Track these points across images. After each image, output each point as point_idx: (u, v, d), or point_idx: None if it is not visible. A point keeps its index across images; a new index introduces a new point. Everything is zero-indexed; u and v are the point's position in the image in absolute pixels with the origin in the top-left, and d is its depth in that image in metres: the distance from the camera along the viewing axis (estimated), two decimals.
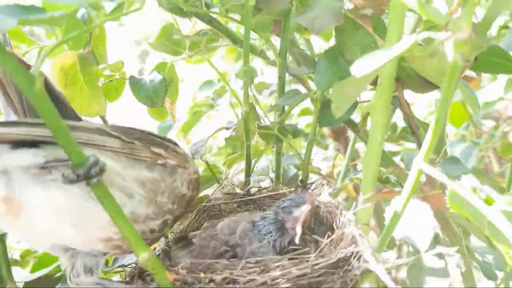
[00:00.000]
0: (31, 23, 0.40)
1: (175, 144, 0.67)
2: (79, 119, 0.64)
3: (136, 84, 0.76)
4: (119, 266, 0.73)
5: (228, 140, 0.79)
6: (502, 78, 1.26)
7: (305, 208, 0.65)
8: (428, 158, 0.50)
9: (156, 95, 0.77)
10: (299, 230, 0.64)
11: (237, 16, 0.75)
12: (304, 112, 1.15)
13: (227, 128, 0.78)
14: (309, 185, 0.79)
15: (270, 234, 0.67)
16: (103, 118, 0.80)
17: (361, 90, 0.55)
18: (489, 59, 0.63)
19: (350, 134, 1.02)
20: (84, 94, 0.72)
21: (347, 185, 1.03)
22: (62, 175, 0.52)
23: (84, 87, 0.72)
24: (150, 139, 0.63)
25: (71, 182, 0.50)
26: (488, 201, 0.47)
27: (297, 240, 0.64)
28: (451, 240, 0.78)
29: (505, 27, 1.00)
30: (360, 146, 1.16)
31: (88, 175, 0.49)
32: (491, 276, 0.69)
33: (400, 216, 0.54)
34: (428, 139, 0.47)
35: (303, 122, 1.19)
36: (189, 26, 0.85)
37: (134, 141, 0.59)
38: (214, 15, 0.77)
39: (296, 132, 0.78)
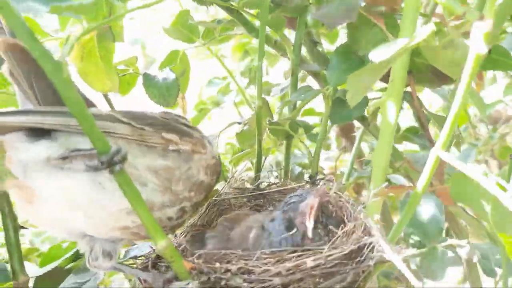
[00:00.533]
0: (63, 10, 0.41)
1: (193, 128, 0.65)
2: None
3: (149, 81, 0.77)
4: (131, 258, 0.73)
5: (239, 136, 0.79)
6: (502, 81, 1.28)
7: (311, 201, 0.66)
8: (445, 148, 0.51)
9: (169, 93, 0.77)
10: (309, 224, 0.65)
11: (251, 12, 0.76)
12: (308, 113, 1.16)
13: (239, 123, 0.78)
14: (318, 181, 0.80)
15: (281, 235, 0.67)
16: (109, 102, 0.81)
17: (376, 79, 0.57)
18: (490, 57, 0.65)
19: (356, 133, 1.04)
20: (99, 69, 0.72)
21: (352, 183, 1.04)
22: (85, 163, 0.52)
23: (99, 62, 0.72)
24: (164, 123, 0.61)
25: (95, 170, 0.51)
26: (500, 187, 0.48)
27: (309, 234, 0.64)
28: (458, 236, 0.79)
29: (503, 31, 1.02)
30: (364, 146, 1.18)
31: (111, 163, 0.50)
32: (490, 273, 0.70)
33: (415, 207, 0.56)
34: (447, 126, 0.48)
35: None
36: (204, 17, 0.86)
37: (145, 126, 0.58)
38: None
39: (307, 128, 0.79)
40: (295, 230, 0.66)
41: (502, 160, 1.45)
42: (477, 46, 0.41)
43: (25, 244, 1.19)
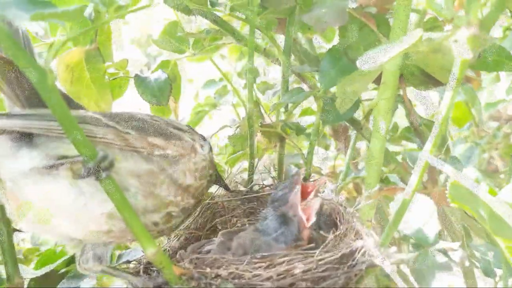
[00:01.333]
0: (45, 17, 0.41)
1: (185, 130, 0.65)
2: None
3: (141, 82, 0.77)
4: (124, 262, 0.73)
5: (231, 138, 0.79)
6: (505, 79, 1.26)
7: (298, 189, 0.65)
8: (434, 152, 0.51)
9: (161, 93, 0.77)
10: (312, 217, 0.64)
11: (240, 15, 0.76)
12: (305, 112, 1.15)
13: (230, 126, 0.78)
14: (311, 182, 0.80)
15: (276, 231, 0.67)
16: None
17: (365, 85, 0.56)
18: (490, 58, 0.64)
19: (351, 133, 1.03)
20: (90, 91, 0.72)
21: (348, 184, 1.04)
22: (71, 170, 0.52)
23: (90, 84, 0.72)
24: (153, 126, 0.61)
25: (80, 177, 0.51)
26: (492, 193, 0.48)
27: (310, 223, 0.64)
28: (452, 238, 0.79)
29: (508, 28, 1.01)
30: (361, 145, 1.17)
31: (97, 169, 0.50)
32: (490, 274, 0.70)
33: (405, 210, 0.55)
34: (435, 131, 0.48)
35: (304, 123, 1.20)
36: (193, 26, 0.85)
37: (130, 130, 0.58)
38: (219, 13, 0.78)
39: (299, 130, 0.78)
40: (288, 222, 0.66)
41: (506, 158, 1.44)
42: (462, 51, 0.41)
43: (25, 244, 1.20)
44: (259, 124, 0.78)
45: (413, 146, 1.22)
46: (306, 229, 0.65)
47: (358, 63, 0.45)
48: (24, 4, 0.41)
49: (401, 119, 1.05)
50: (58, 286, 0.74)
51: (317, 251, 0.60)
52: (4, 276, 0.76)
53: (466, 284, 0.77)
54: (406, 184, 0.78)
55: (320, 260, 0.59)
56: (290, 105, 0.80)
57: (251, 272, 0.59)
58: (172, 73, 0.84)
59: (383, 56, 0.45)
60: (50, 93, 0.46)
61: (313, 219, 0.63)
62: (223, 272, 0.59)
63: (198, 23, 0.86)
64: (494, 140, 1.31)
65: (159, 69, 0.80)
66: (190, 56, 0.86)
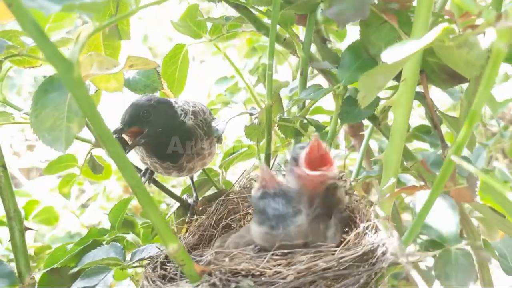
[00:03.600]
0: (75, 8, 0.40)
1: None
2: None
3: (127, 81, 0.77)
4: (138, 260, 0.73)
5: (247, 128, 0.77)
6: None
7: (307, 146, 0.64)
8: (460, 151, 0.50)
9: (152, 80, 0.77)
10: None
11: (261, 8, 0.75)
12: (316, 111, 1.15)
13: (251, 114, 0.77)
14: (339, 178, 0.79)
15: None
16: None
17: (388, 79, 0.56)
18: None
19: (365, 131, 1.02)
20: None
21: (360, 183, 1.03)
22: None
23: None
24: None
25: None
26: None
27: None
28: (469, 236, 0.78)
29: None
30: (372, 145, 1.17)
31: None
32: (509, 271, 0.69)
33: (429, 209, 0.55)
34: (464, 130, 0.47)
35: None
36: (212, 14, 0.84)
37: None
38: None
39: (319, 127, 0.78)
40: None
41: None
42: (497, 45, 0.40)
43: (37, 242, 1.20)
44: (277, 118, 0.77)
45: (423, 145, 1.23)
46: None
47: (382, 56, 0.44)
48: None
49: (413, 118, 1.05)
50: (72, 286, 0.73)
51: (338, 249, 0.60)
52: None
53: (483, 283, 0.77)
54: (424, 182, 0.78)
55: (341, 257, 0.59)
56: (307, 102, 0.79)
57: (271, 269, 0.59)
58: (183, 58, 0.84)
59: (408, 49, 0.44)
60: (76, 86, 0.45)
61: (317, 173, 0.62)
62: (243, 268, 0.59)
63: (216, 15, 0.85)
64: (502, 140, 1.31)
65: (170, 59, 0.80)
66: (207, 41, 0.85)
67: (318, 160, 0.64)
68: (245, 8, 0.78)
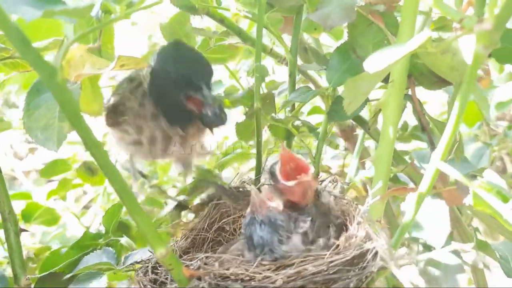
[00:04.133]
0: (56, 14, 0.41)
1: None
2: None
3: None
4: (130, 264, 0.73)
5: (238, 126, 0.77)
6: None
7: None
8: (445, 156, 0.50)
9: None
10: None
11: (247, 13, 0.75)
12: (314, 111, 1.15)
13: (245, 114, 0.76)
14: (320, 182, 0.79)
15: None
16: None
17: (373, 86, 0.55)
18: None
19: (358, 132, 1.02)
20: (87, 90, 0.70)
21: (356, 183, 1.03)
22: None
23: (87, 84, 0.70)
24: None
25: None
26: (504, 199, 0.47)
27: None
28: (462, 238, 0.78)
29: None
30: (370, 144, 1.16)
31: None
32: (510, 274, 0.69)
33: (416, 212, 0.54)
34: (446, 136, 0.47)
35: (312, 121, 1.19)
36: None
37: None
38: (226, 13, 0.77)
39: (311, 128, 0.78)
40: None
41: None
42: (475, 48, 0.40)
43: (35, 244, 1.20)
44: (270, 118, 0.77)
45: (423, 145, 1.22)
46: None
47: (365, 65, 0.44)
48: (34, 1, 0.41)
49: (411, 117, 1.04)
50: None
51: (328, 253, 0.60)
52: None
53: (477, 285, 0.76)
54: (416, 184, 0.78)
55: (331, 262, 0.59)
56: (296, 104, 0.79)
57: (261, 273, 0.59)
58: None
59: (390, 58, 0.44)
60: (60, 91, 0.45)
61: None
62: (232, 273, 0.59)
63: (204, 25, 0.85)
64: (506, 140, 1.30)
65: None
66: None
67: (295, 170, 0.64)
68: (229, 21, 0.79)
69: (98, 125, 0.71)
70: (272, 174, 0.65)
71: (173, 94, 0.67)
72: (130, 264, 0.73)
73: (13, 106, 1.76)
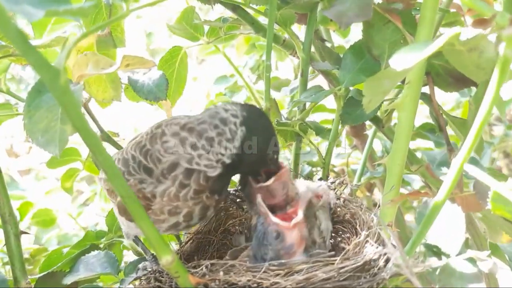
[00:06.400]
0: (60, 14, 0.38)
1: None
2: None
3: (135, 83, 0.73)
4: (135, 279, 0.70)
5: None
6: None
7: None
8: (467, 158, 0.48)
9: (159, 89, 0.73)
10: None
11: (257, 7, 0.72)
12: (318, 109, 1.12)
13: None
14: (329, 184, 0.77)
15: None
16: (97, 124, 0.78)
17: (394, 84, 0.53)
18: None
19: (368, 131, 1.00)
20: (100, 78, 0.68)
21: (363, 184, 1.01)
22: None
23: None
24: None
25: None
26: None
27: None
28: (475, 242, 0.76)
29: None
30: (376, 146, 1.14)
31: None
32: None
33: (434, 218, 0.52)
34: (471, 136, 0.45)
35: (316, 119, 1.17)
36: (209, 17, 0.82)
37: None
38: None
39: (319, 129, 0.75)
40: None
41: None
42: (505, 50, 0.38)
43: (30, 245, 1.18)
44: (275, 122, 0.75)
45: (428, 144, 1.20)
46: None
47: (391, 62, 0.42)
48: (37, 1, 0.38)
49: (416, 116, 1.02)
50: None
51: (338, 259, 0.58)
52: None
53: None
54: (429, 186, 0.76)
55: (341, 268, 0.56)
56: (308, 103, 0.77)
57: (269, 280, 0.57)
58: (181, 61, 0.81)
59: (418, 55, 0.42)
60: (62, 93, 0.43)
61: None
62: (240, 280, 0.57)
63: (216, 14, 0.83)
64: (506, 140, 1.29)
65: (167, 62, 0.77)
66: (205, 44, 0.82)
67: (283, 200, 0.64)
68: (242, 9, 0.75)
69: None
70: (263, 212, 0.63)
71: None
72: (135, 279, 0.70)
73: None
